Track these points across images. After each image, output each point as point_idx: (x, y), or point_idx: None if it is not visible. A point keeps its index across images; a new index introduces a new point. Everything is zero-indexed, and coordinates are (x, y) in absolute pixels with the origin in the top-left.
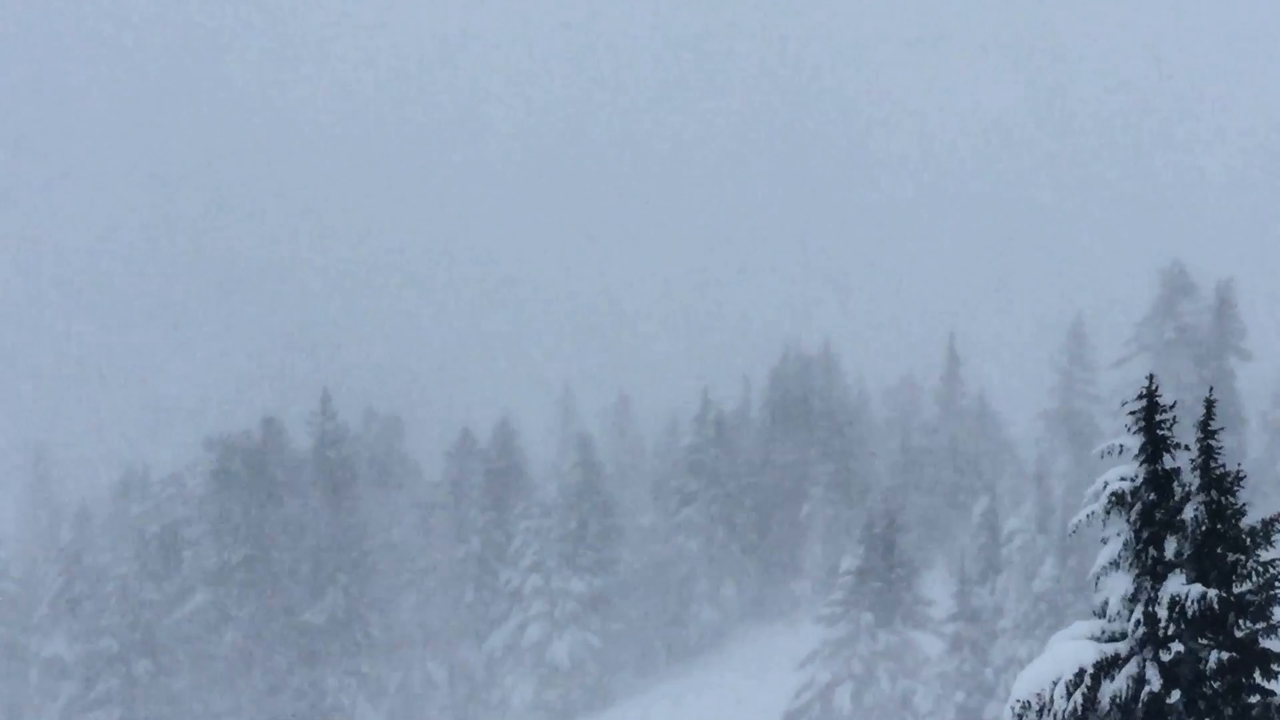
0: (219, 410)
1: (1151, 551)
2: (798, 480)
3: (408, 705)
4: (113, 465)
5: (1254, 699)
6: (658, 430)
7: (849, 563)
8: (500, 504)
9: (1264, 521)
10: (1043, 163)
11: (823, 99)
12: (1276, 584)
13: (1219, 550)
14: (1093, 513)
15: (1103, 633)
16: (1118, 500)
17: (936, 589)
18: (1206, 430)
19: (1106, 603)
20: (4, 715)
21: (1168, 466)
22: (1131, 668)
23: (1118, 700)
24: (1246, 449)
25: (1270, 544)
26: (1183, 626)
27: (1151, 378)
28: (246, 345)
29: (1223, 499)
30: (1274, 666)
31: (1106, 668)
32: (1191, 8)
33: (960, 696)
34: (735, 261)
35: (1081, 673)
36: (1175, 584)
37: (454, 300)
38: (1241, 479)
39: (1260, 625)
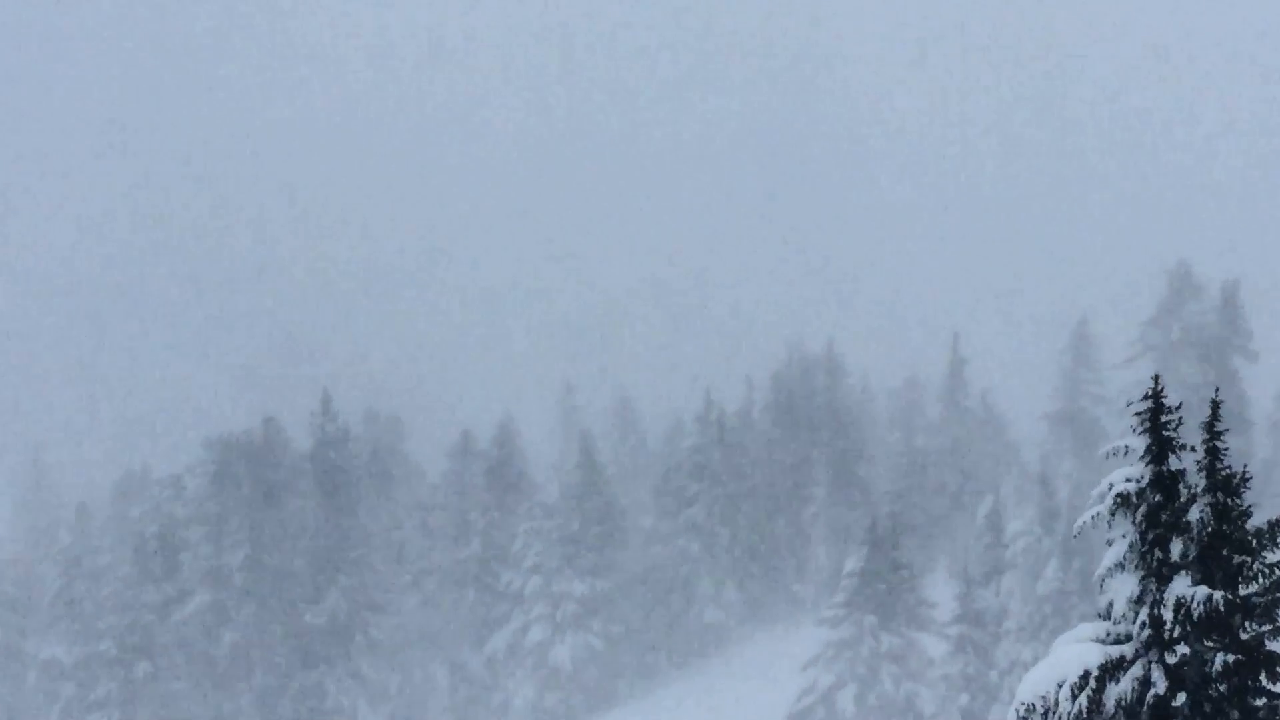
0: (217, 411)
1: (1157, 553)
2: (800, 482)
3: (408, 708)
4: (111, 467)
5: (1260, 701)
6: (659, 431)
7: (852, 564)
8: (501, 505)
9: (1270, 523)
10: (1044, 162)
11: (823, 99)
12: None
13: (1225, 552)
14: (1098, 514)
15: (1108, 635)
16: (1123, 502)
17: (940, 591)
18: (1212, 431)
19: (1111, 605)
20: (3, 717)
21: (1173, 468)
22: (1137, 670)
23: (1123, 703)
24: (1253, 450)
25: (1276, 546)
26: (1188, 629)
27: (1157, 378)
28: (244, 346)
29: (1228, 500)
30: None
31: (1111, 670)
32: (1193, 7)
33: (964, 699)
34: (735, 262)
35: (1086, 675)
36: (1181, 586)
37: (453, 300)
38: (1247, 480)
39: (1266, 627)
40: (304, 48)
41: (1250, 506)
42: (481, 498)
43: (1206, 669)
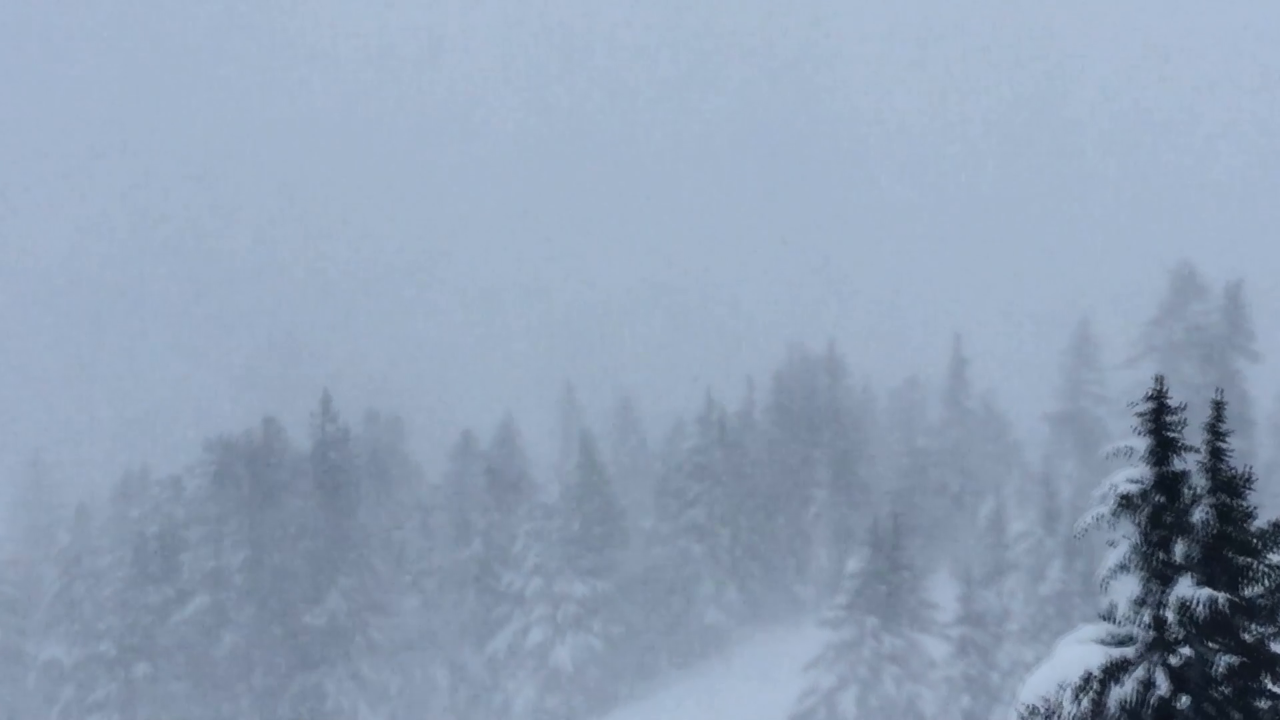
0: (217, 412)
1: (1160, 555)
2: (802, 482)
3: (409, 709)
4: (111, 467)
5: (1264, 704)
6: (660, 432)
7: (854, 565)
8: (502, 506)
9: (1273, 524)
10: (1044, 162)
11: (823, 99)
12: None
13: (1228, 553)
14: (1100, 515)
15: (1110, 636)
16: (1125, 503)
17: (942, 592)
18: (1215, 432)
19: (1114, 606)
20: (3, 718)
21: (1176, 469)
22: (1140, 672)
23: (1126, 705)
24: (1256, 451)
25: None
26: (1191, 630)
27: (1160, 379)
28: (244, 346)
29: (1232, 501)
30: None
31: (1114, 672)
32: (1193, 7)
33: (966, 701)
34: (735, 262)
35: (1089, 677)
36: (1184, 587)
37: (453, 300)
38: (1251, 481)
39: (1270, 629)
40: (304, 47)
41: (1254, 507)
42: (482, 498)
43: (1209, 671)
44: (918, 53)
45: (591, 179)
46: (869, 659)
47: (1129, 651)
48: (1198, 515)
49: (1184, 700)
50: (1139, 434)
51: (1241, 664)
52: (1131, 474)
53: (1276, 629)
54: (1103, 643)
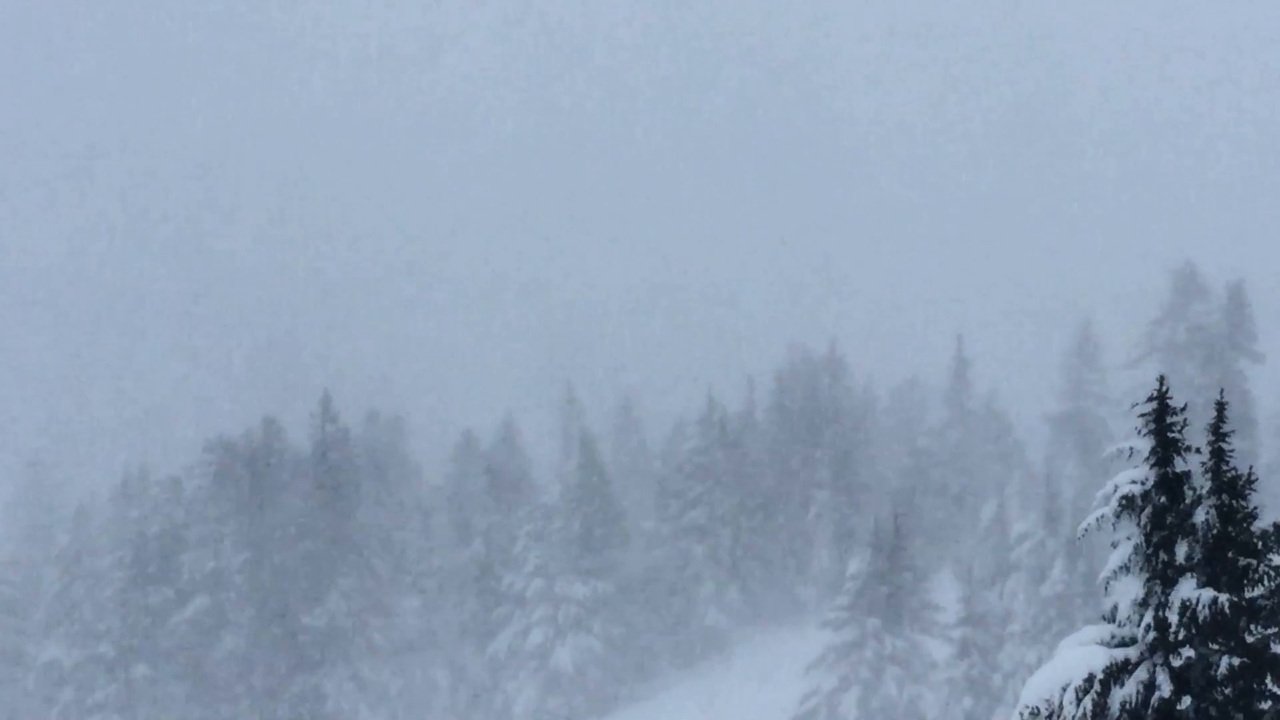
0: (217, 412)
1: (1162, 555)
2: (803, 483)
3: (409, 710)
4: (110, 467)
5: (1266, 705)
6: (661, 433)
7: (855, 566)
8: (503, 507)
9: (1275, 525)
10: (1044, 162)
11: (822, 98)
12: None
13: (1230, 554)
14: (1103, 516)
15: (1112, 638)
16: (1128, 504)
17: (944, 593)
18: (1218, 433)
19: (1116, 607)
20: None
21: (1178, 469)
22: (1142, 673)
23: (1128, 706)
24: (1258, 452)
25: None
26: (1194, 631)
27: (1162, 380)
28: (244, 346)
29: (1234, 502)
30: None
31: (1116, 673)
32: (1193, 7)
33: (968, 702)
34: (735, 262)
35: (1091, 678)
36: (1186, 588)
37: (452, 301)
38: (1253, 482)
39: (1272, 630)
40: (303, 47)
41: (1255, 508)
42: (482, 499)
43: (1211, 672)
44: (918, 53)
45: (591, 178)
46: (871, 660)
47: (1131, 653)
48: (1200, 516)
49: (1186, 701)
50: (1141, 435)
51: (1243, 665)
52: (1134, 475)
53: (1278, 630)
54: (1105, 644)
